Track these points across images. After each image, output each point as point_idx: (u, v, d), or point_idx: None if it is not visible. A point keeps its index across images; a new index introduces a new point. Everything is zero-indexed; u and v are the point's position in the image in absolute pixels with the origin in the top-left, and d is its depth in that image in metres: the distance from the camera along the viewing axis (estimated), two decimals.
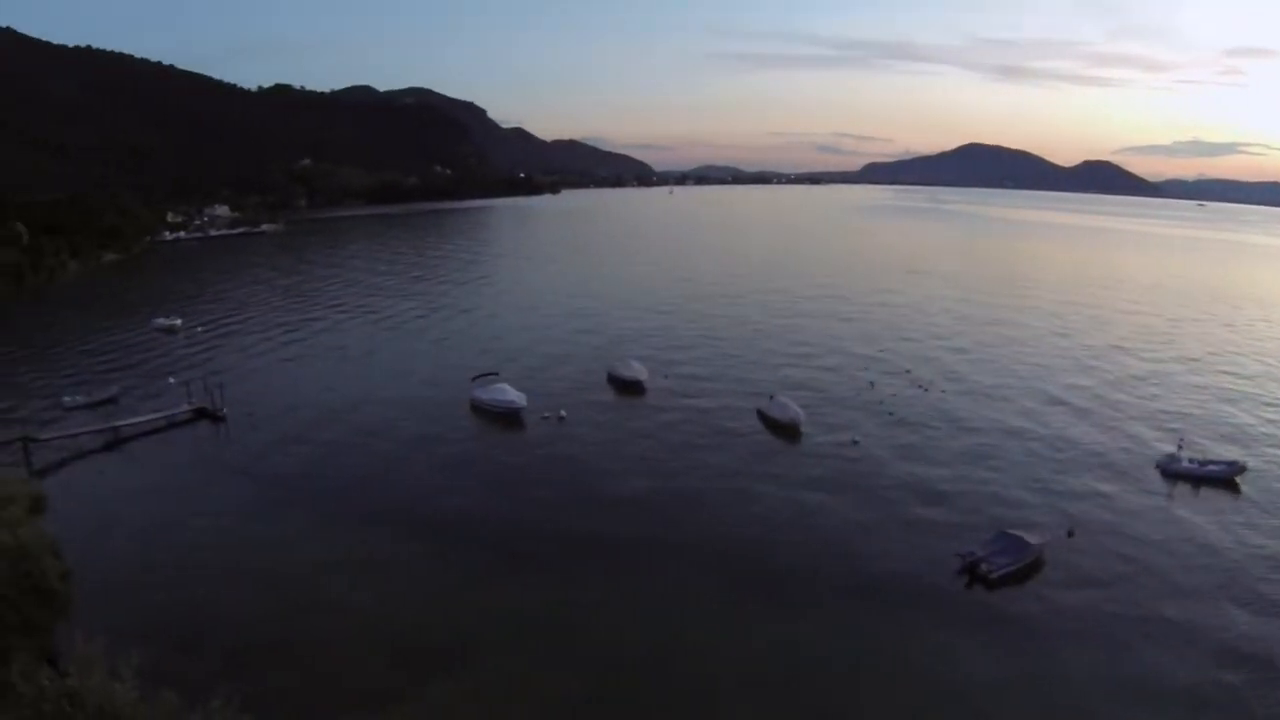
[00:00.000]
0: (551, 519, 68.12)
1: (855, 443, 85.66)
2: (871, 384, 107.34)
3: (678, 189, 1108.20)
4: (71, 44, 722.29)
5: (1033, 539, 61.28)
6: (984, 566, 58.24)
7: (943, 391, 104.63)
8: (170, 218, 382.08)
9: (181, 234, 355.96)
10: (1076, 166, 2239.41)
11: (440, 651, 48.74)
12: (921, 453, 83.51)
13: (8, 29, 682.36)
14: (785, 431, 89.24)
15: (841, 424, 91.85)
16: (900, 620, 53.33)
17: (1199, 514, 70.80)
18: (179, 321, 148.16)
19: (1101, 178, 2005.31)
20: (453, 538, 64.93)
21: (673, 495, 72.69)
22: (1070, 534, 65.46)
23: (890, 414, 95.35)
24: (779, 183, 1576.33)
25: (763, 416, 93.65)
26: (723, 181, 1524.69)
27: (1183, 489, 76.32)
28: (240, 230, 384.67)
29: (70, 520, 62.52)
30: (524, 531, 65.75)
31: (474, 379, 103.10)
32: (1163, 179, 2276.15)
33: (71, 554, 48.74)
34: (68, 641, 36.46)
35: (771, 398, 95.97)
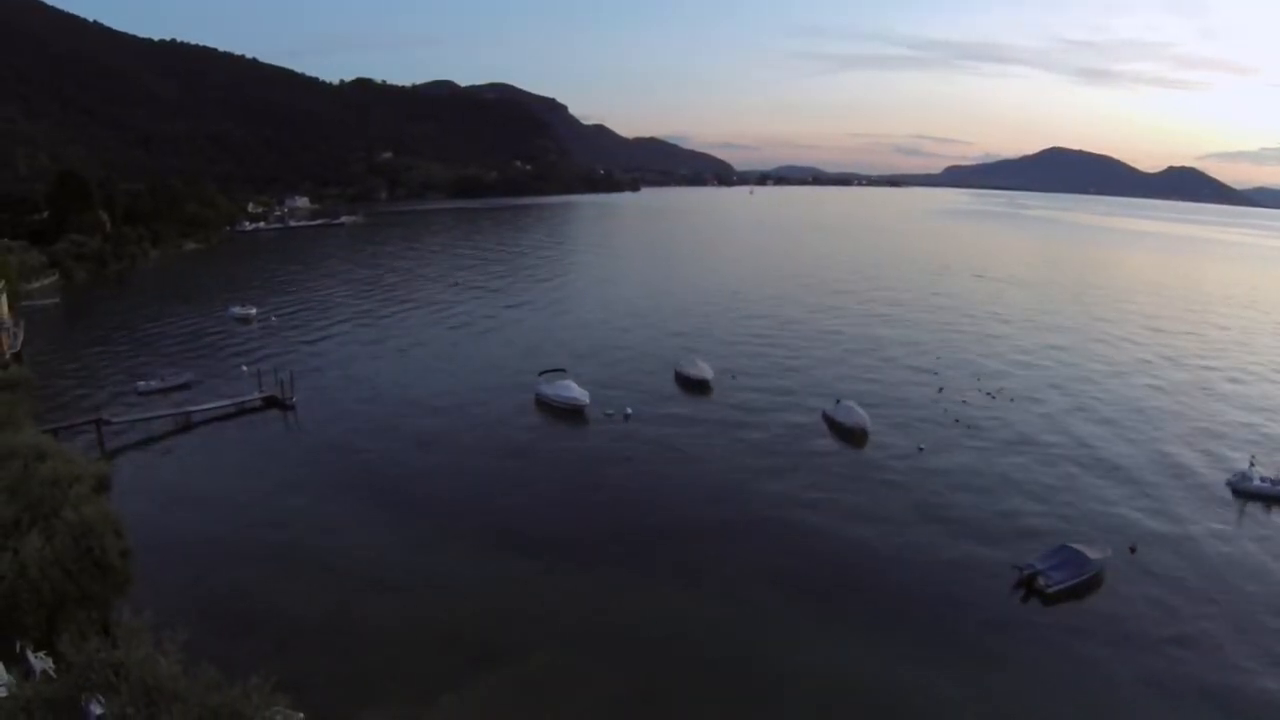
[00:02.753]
0: (608, 518, 67.55)
1: (921, 450, 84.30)
2: (940, 390, 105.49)
3: (758, 189, 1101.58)
4: (158, 38, 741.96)
5: (1093, 554, 59.01)
6: (1041, 580, 56.34)
7: (1011, 400, 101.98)
8: (251, 208, 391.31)
9: (261, 224, 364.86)
10: (1161, 173, 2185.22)
11: (490, 645, 48.38)
12: (987, 461, 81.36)
13: (96, 23, 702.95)
14: (851, 436, 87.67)
15: (908, 430, 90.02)
16: (949, 629, 51.88)
17: (1270, 533, 67.81)
18: (254, 311, 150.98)
19: (1186, 184, 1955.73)
20: (510, 532, 64.47)
21: (734, 498, 71.57)
22: (1133, 550, 62.91)
23: (957, 421, 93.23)
24: (859, 184, 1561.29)
25: (828, 420, 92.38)
26: (803, 182, 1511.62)
27: (1254, 508, 72.86)
28: (319, 222, 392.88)
29: (136, 500, 64.04)
30: (580, 529, 65.28)
31: (541, 374, 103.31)
32: (1250, 186, 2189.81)
33: (135, 532, 49.09)
34: (124, 616, 37.07)
35: (838, 402, 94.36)
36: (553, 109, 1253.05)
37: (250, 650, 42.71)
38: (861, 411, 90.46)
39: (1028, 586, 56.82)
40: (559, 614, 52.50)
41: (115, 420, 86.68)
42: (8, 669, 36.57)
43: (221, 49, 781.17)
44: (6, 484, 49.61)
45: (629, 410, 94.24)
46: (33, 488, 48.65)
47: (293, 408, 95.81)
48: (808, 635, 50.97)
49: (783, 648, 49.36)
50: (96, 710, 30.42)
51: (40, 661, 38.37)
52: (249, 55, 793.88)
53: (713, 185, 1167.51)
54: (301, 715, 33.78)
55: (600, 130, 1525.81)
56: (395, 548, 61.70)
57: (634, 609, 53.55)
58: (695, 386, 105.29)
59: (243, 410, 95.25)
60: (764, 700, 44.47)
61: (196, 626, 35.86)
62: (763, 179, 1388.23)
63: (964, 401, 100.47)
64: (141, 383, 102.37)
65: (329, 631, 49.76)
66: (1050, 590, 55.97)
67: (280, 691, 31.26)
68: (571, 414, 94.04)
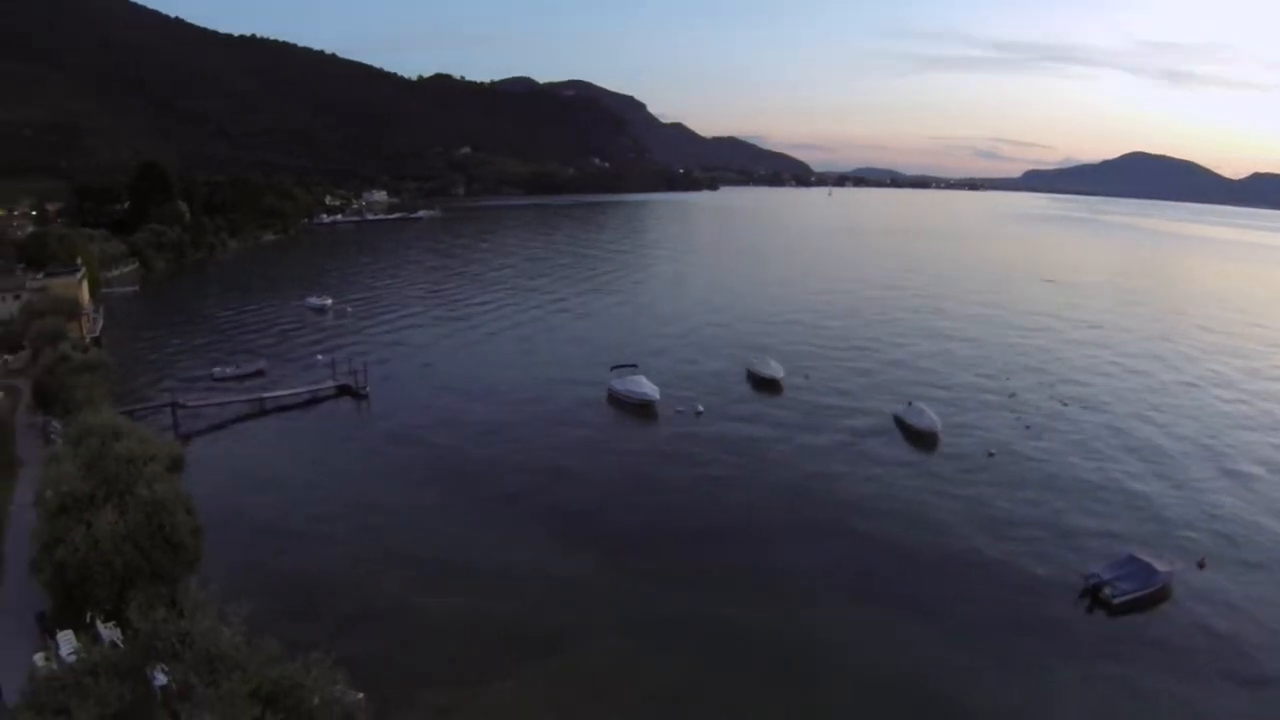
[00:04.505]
0: (674, 515, 67.00)
1: (990, 455, 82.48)
2: (1011, 395, 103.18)
3: (836, 190, 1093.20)
4: (238, 33, 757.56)
5: (1161, 566, 56.91)
6: (1107, 590, 54.47)
7: (1083, 408, 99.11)
8: (329, 201, 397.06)
9: (339, 217, 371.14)
10: (1245, 179, 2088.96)
11: (550, 634, 48.45)
12: (1056, 469, 79.19)
13: (178, 19, 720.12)
14: (921, 439, 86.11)
15: (978, 434, 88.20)
16: (1013, 635, 50.54)
17: None
18: (329, 301, 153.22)
19: (1272, 191, 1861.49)
20: (576, 525, 64.56)
21: (801, 498, 70.59)
22: (1201, 564, 60.48)
23: (1028, 427, 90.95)
24: (938, 188, 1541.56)
25: (899, 422, 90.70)
26: (881, 184, 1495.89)
27: None
28: (396, 215, 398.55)
29: (208, 481, 64.89)
30: (645, 525, 64.88)
31: (613, 369, 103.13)
32: None
33: (205, 512, 49.73)
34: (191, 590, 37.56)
35: (909, 404, 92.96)
36: (631, 107, 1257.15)
37: (313, 629, 42.80)
38: (933, 414, 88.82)
39: (1093, 596, 54.94)
40: (620, 606, 52.26)
41: (190, 404, 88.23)
42: (77, 637, 37.12)
43: (301, 44, 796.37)
44: (84, 460, 50.36)
45: (700, 408, 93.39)
46: (108, 465, 49.36)
47: (366, 396, 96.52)
48: (869, 635, 49.98)
49: (843, 647, 48.54)
50: (160, 679, 30.77)
51: (109, 631, 38.98)
52: (328, 50, 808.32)
53: (791, 186, 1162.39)
54: (360, 695, 33.78)
55: (679, 129, 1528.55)
56: (460, 537, 61.81)
57: (696, 605, 52.88)
58: (767, 385, 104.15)
59: (316, 398, 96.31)
60: (822, 698, 43.81)
61: (261, 604, 36.18)
62: (841, 180, 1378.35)
63: (1035, 408, 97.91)
64: (217, 369, 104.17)
65: (391, 615, 50.06)
66: (1116, 601, 54.08)
67: (340, 668, 31.74)
68: (642, 410, 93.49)
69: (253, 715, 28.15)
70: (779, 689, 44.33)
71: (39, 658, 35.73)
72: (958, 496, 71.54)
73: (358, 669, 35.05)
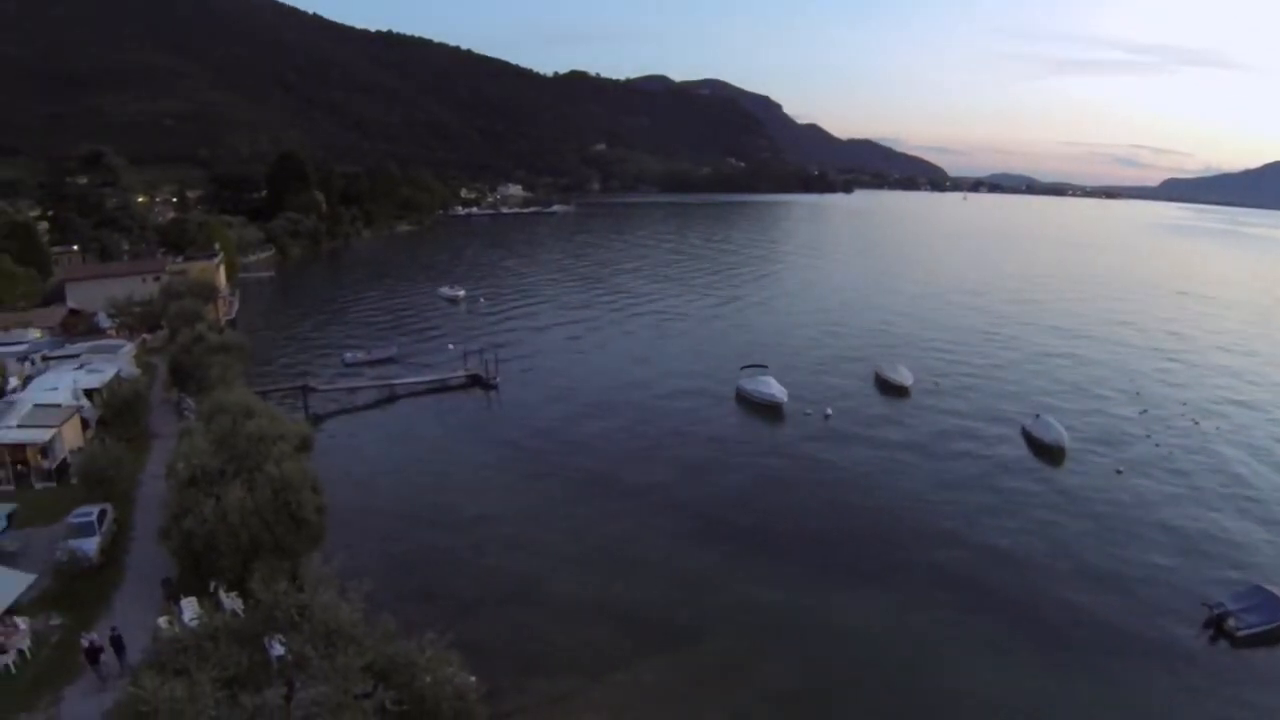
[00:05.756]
0: (795, 517, 65.75)
1: (1119, 472, 79.27)
2: (1143, 412, 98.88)
3: (971, 195, 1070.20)
4: (375, 29, 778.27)
5: None
6: (1232, 622, 51.05)
7: (1217, 428, 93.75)
8: (464, 194, 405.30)
9: (474, 209, 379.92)
10: None
11: (666, 630, 48.09)
12: (1184, 490, 75.01)
13: (315, 15, 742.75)
14: (1048, 453, 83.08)
15: (1106, 450, 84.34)
16: (1131, 663, 47.83)
17: None
18: (462, 292, 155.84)
19: None
20: (698, 523, 63.77)
21: (925, 507, 68.62)
22: None
23: (1158, 446, 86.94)
24: (1074, 195, 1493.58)
25: (1026, 435, 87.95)
26: (1016, 191, 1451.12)
27: None
28: (531, 210, 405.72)
29: (336, 462, 66.37)
30: (768, 526, 63.80)
31: (743, 369, 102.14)
32: None
33: (332, 492, 50.46)
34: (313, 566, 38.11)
35: (1037, 416, 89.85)
36: (767, 107, 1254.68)
37: (428, 613, 43.10)
38: (1060, 428, 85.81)
39: (1217, 626, 51.88)
40: (738, 607, 51.51)
41: (321, 388, 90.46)
42: (199, 604, 38.02)
43: (437, 40, 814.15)
44: (215, 436, 51.60)
45: (829, 411, 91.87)
46: (239, 442, 50.50)
47: (495, 387, 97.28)
48: (982, 652, 48.07)
49: (956, 662, 46.92)
50: (277, 649, 31.28)
51: (231, 601, 40.06)
52: (464, 46, 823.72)
53: (925, 190, 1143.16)
54: (473, 679, 33.72)
55: (814, 130, 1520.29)
56: (580, 529, 61.78)
57: (813, 609, 51.84)
58: (895, 391, 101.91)
59: (446, 386, 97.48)
60: (931, 712, 42.70)
61: (379, 584, 36.65)
62: (976, 185, 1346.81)
63: (1167, 426, 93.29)
64: (349, 354, 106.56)
65: (508, 604, 50.29)
66: (1241, 633, 50.54)
67: (454, 651, 32.25)
68: (770, 411, 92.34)
69: (366, 689, 28.72)
70: (888, 702, 43.47)
71: (162, 620, 36.86)
72: (1082, 514, 68.52)
73: (472, 653, 35.40)
